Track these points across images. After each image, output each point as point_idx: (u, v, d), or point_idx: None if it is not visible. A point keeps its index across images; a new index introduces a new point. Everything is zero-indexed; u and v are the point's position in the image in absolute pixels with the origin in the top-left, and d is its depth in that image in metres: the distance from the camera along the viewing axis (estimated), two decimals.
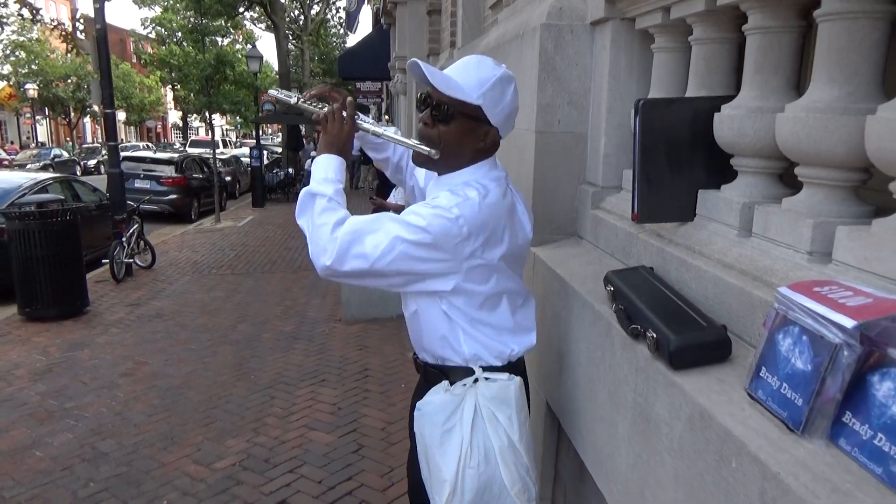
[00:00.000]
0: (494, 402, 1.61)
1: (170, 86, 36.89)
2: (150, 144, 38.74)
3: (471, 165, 1.66)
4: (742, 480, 1.02)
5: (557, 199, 2.36)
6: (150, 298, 7.19)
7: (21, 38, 31.95)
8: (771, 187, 1.50)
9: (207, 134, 39.48)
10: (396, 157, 2.03)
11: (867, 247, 1.11)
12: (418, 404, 1.67)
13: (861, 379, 0.95)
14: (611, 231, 2.07)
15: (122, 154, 9.43)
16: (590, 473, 1.80)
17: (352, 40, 38.40)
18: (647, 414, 1.38)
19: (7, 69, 32.92)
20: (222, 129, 50.81)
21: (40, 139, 39.52)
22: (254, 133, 22.72)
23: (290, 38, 27.50)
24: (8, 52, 32.59)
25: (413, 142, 1.68)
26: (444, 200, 1.52)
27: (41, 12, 10.34)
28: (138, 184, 13.00)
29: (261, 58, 18.60)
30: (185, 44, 30.05)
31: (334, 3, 31.45)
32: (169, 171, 13.73)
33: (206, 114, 19.41)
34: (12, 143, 35.77)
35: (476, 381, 1.63)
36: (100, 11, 7.90)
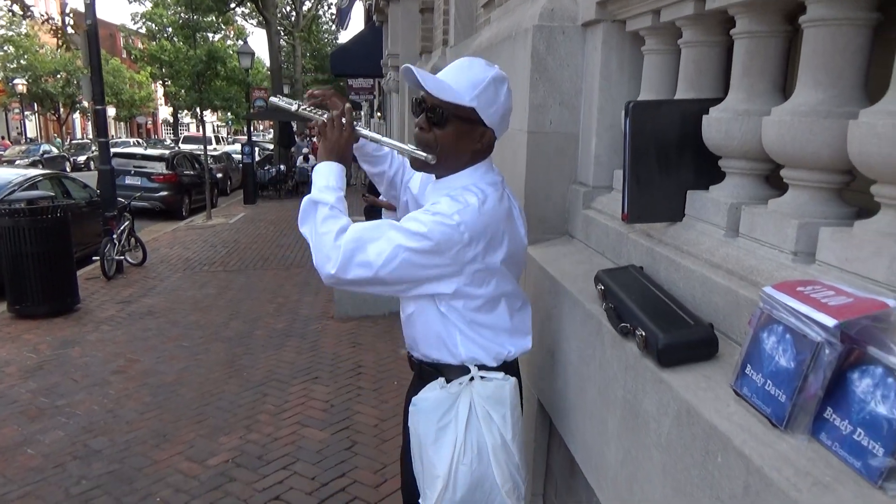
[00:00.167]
0: (490, 402, 1.63)
1: (160, 81, 36.69)
2: (140, 140, 38.51)
3: (468, 168, 1.68)
4: (727, 474, 1.05)
5: (549, 198, 2.39)
6: (142, 296, 7.17)
7: (9, 33, 31.66)
8: (757, 189, 1.54)
9: (198, 130, 39.34)
10: (392, 171, 2.03)
11: (849, 248, 1.14)
12: (413, 400, 1.69)
13: (842, 376, 0.98)
14: (602, 231, 2.10)
15: (113, 150, 9.38)
16: (580, 469, 1.83)
17: (343, 37, 38.31)
18: (636, 410, 1.41)
19: None
20: (213, 126, 50.58)
21: (29, 135, 39.18)
22: (245, 129, 22.63)
23: (282, 34, 27.40)
24: None
25: (410, 147, 1.69)
26: (444, 207, 1.53)
27: (31, 9, 10.27)
28: (129, 180, 12.93)
29: (252, 54, 18.55)
30: (175, 39, 29.88)
31: None
32: (160, 167, 13.67)
33: (198, 110, 19.30)
34: (3, 137, 35.44)
35: (472, 379, 1.65)
36: (90, 6, 7.86)
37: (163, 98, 45.80)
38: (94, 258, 8.08)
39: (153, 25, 34.55)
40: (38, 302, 6.22)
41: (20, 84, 31.71)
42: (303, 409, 4.26)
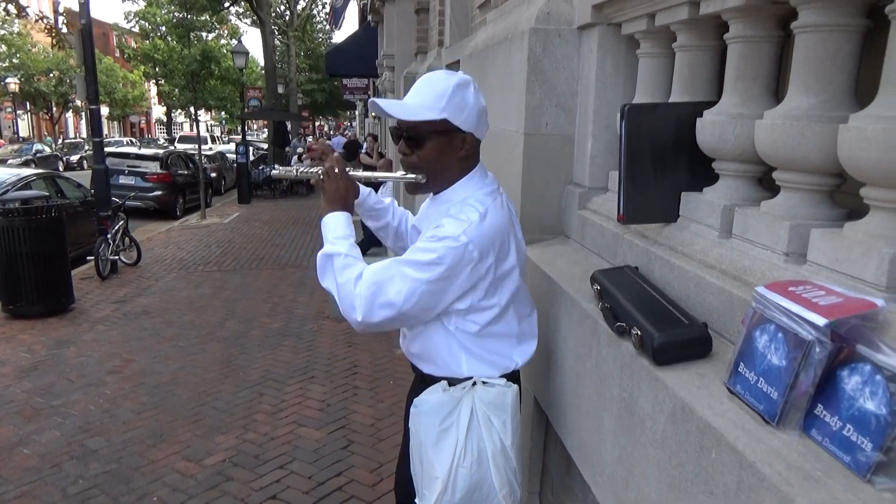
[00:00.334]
0: (491, 407, 1.66)
1: (154, 81, 36.56)
2: (133, 140, 38.36)
3: (461, 178, 1.70)
4: (721, 470, 1.07)
5: (545, 199, 2.42)
6: (136, 295, 7.16)
7: (1, 32, 31.47)
8: (750, 190, 1.57)
9: (192, 130, 39.19)
10: (395, 221, 2.05)
11: (839, 249, 1.17)
12: (415, 401, 1.71)
13: (832, 374, 1.01)
14: (597, 231, 2.12)
15: (107, 150, 9.36)
16: (576, 466, 1.85)
17: (337, 36, 38.26)
18: (632, 408, 1.44)
19: None
20: (207, 125, 50.42)
21: (21, 134, 38.94)
22: (239, 129, 22.57)
23: (276, 33, 27.35)
24: None
25: (399, 174, 1.74)
26: (449, 229, 1.54)
27: (27, 10, 10.24)
28: (123, 180, 12.88)
29: (247, 53, 18.49)
30: (169, 38, 29.79)
31: None
32: (154, 167, 13.62)
33: (192, 109, 19.26)
34: None
35: (474, 384, 1.68)
36: (85, 6, 7.84)
37: (156, 97, 45.64)
38: (88, 258, 8.06)
39: (146, 24, 34.41)
40: (33, 302, 6.20)
41: (12, 83, 31.54)
42: (299, 408, 4.27)
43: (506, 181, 2.43)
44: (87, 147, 28.33)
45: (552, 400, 2.05)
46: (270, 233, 11.61)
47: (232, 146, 22.25)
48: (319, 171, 1.76)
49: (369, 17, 12.89)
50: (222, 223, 12.75)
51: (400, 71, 7.59)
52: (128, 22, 35.77)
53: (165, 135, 48.09)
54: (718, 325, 1.40)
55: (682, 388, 1.25)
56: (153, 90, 45.09)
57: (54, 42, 10.04)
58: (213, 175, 17.42)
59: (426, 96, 1.63)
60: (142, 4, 33.78)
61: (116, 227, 8.14)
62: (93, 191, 8.86)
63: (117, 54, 41.92)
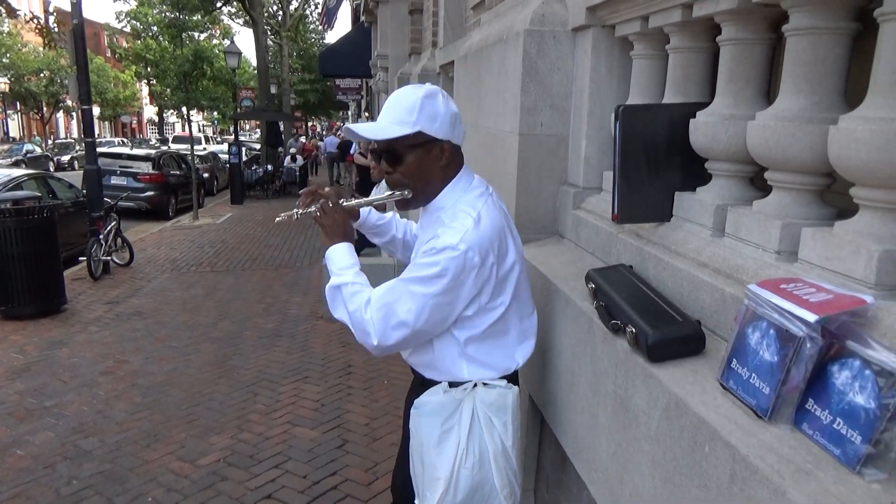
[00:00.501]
0: (492, 409, 1.68)
1: (145, 81, 36.39)
2: (125, 140, 38.17)
3: (447, 186, 1.72)
4: (714, 463, 1.10)
5: (540, 199, 2.44)
6: (129, 296, 7.14)
7: None
8: (743, 190, 1.59)
9: (184, 130, 39.04)
10: (400, 233, 2.07)
11: (829, 247, 1.20)
12: (416, 402, 1.73)
13: (822, 369, 1.04)
14: (592, 231, 2.15)
15: (99, 150, 9.29)
16: (572, 463, 1.87)
17: (330, 37, 38.21)
18: (627, 404, 1.46)
19: None
20: (199, 125, 50.23)
21: (11, 134, 38.67)
22: (231, 129, 22.50)
23: (269, 33, 27.28)
24: None
25: (386, 194, 1.77)
26: (447, 239, 1.55)
27: (17, 12, 10.18)
28: (115, 180, 12.82)
29: (239, 54, 18.47)
30: (160, 38, 29.66)
31: None
32: (146, 167, 13.58)
33: (184, 110, 19.19)
34: None
35: (475, 386, 1.70)
36: (77, 5, 7.81)
37: (148, 97, 45.45)
38: (80, 258, 8.03)
39: (138, 24, 34.25)
40: (25, 303, 6.17)
41: (2, 83, 31.31)
42: (294, 408, 4.27)
43: (500, 181, 2.45)
44: (78, 147, 28.18)
45: (547, 398, 2.07)
46: (263, 233, 11.59)
47: (224, 146, 22.17)
48: (315, 209, 1.80)
49: (363, 18, 12.90)
50: (215, 224, 12.72)
51: (394, 71, 7.60)
52: (119, 22, 35.61)
53: (157, 135, 47.85)
54: (711, 322, 1.42)
55: (676, 384, 1.27)
56: (145, 90, 44.89)
57: (45, 42, 9.98)
58: (206, 175, 17.38)
59: (397, 113, 1.65)
60: (133, 4, 33.64)
61: (109, 228, 8.11)
62: (84, 191, 8.82)
63: (109, 54, 41.70)
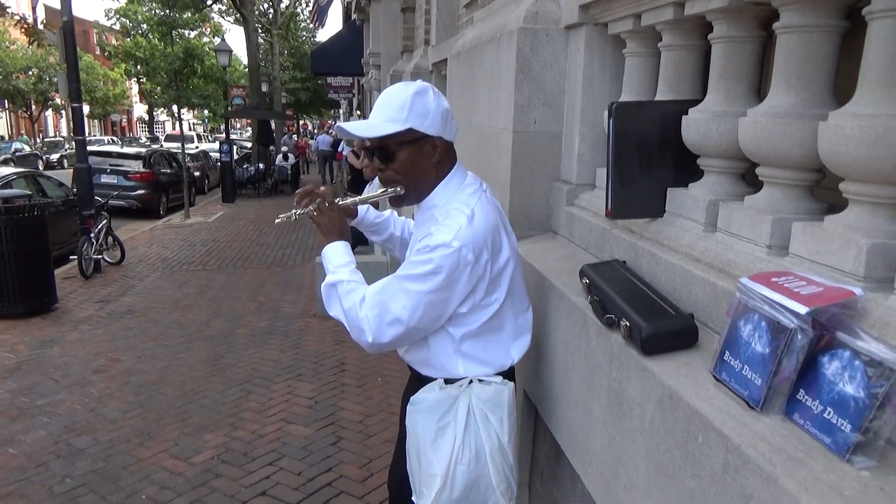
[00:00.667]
0: (488, 405, 1.69)
1: (135, 79, 36.13)
2: (115, 138, 37.90)
3: (440, 183, 1.73)
4: (707, 454, 1.12)
5: (533, 196, 2.45)
6: (121, 295, 7.11)
7: None
8: (734, 186, 1.61)
9: (174, 128, 38.81)
10: (398, 231, 2.08)
11: (819, 241, 1.22)
12: (412, 399, 1.74)
13: (813, 360, 1.06)
14: (585, 227, 2.16)
15: (89, 148, 9.23)
16: (566, 457, 1.89)
17: (322, 35, 38.06)
18: (621, 397, 1.48)
19: None
20: (189, 124, 49.94)
21: (0, 132, 38.30)
22: (222, 127, 22.39)
23: (260, 31, 27.15)
24: None
25: (379, 192, 1.78)
26: (441, 236, 1.57)
27: (7, 9, 10.09)
28: (105, 179, 12.74)
29: (230, 51, 18.38)
30: (150, 36, 29.45)
31: None
32: (136, 165, 13.50)
33: (175, 108, 19.05)
34: None
35: (471, 382, 1.71)
36: (66, 3, 7.76)
37: (138, 95, 45.14)
38: (70, 257, 7.98)
39: (127, 22, 33.98)
40: (15, 301, 6.13)
41: None
42: (287, 405, 4.28)
43: (494, 178, 2.47)
44: (67, 146, 27.95)
45: (542, 392, 2.09)
46: (255, 232, 11.56)
47: (216, 145, 22.08)
48: (311, 209, 1.81)
49: (354, 16, 12.87)
50: (206, 222, 12.67)
51: (386, 69, 7.60)
52: (108, 19, 35.34)
53: (147, 133, 47.56)
54: (704, 315, 1.44)
55: (670, 376, 1.29)
56: (135, 88, 44.58)
57: (31, 41, 9.89)
58: (197, 174, 17.31)
59: (388, 110, 1.66)
60: (123, 2, 33.38)
61: (99, 227, 8.08)
62: (75, 189, 8.76)
63: (98, 52, 41.36)
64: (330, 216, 1.80)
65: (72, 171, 9.67)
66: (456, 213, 1.61)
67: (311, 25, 35.59)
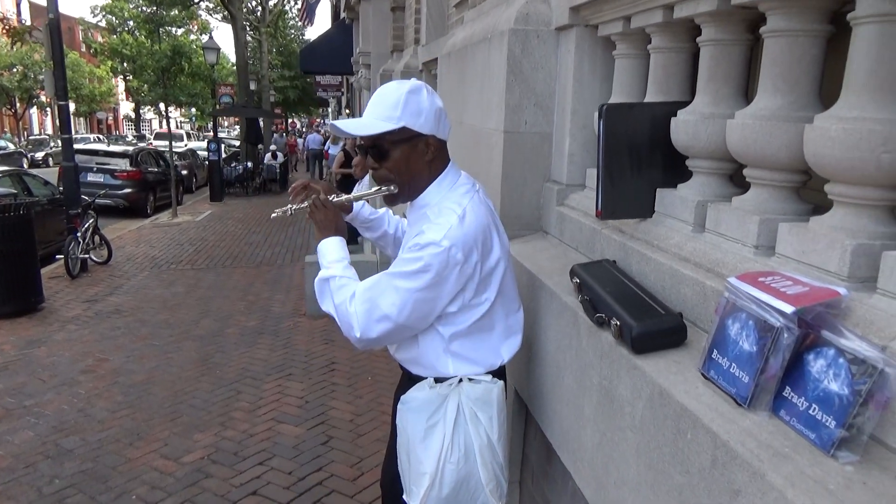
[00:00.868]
0: (478, 403, 1.70)
1: (122, 76, 35.81)
2: (101, 137, 37.54)
3: (434, 181, 1.74)
4: (696, 450, 1.14)
5: (524, 196, 2.47)
6: (108, 294, 7.06)
7: None
8: (722, 187, 1.64)
9: (161, 126, 38.50)
10: (392, 229, 2.09)
11: (805, 241, 1.24)
12: (402, 398, 1.75)
13: (799, 358, 1.08)
14: (575, 227, 2.18)
15: (75, 147, 9.15)
16: (557, 454, 1.91)
17: (310, 33, 37.91)
18: (611, 395, 1.50)
19: None
20: (177, 122, 49.55)
21: None
22: (210, 126, 22.23)
23: (248, 29, 26.99)
24: None
25: (373, 189, 1.80)
26: (431, 235, 1.58)
27: None
28: (91, 177, 12.64)
29: (218, 49, 18.24)
30: (137, 33, 29.22)
31: None
32: (123, 164, 13.41)
33: (163, 106, 18.89)
34: None
35: (460, 381, 1.72)
36: (52, 0, 7.68)
37: (124, 93, 44.75)
38: (57, 256, 7.92)
39: (114, 19, 33.68)
40: (1, 301, 6.07)
41: None
42: (277, 405, 4.27)
43: (485, 178, 2.48)
44: (52, 144, 27.64)
45: (533, 391, 2.11)
46: (244, 231, 11.51)
47: (204, 143, 21.94)
48: (307, 204, 1.83)
49: (344, 15, 12.83)
50: (194, 221, 12.60)
51: (376, 68, 7.59)
52: (94, 16, 34.98)
53: (134, 131, 47.16)
54: (693, 314, 1.47)
55: (660, 374, 1.31)
56: (121, 86, 44.18)
57: (13, 42, 9.78)
58: (185, 172, 17.20)
59: (381, 109, 1.67)
60: None
61: (86, 226, 8.01)
62: (61, 188, 8.68)
63: (84, 49, 40.94)
64: (325, 212, 1.81)
65: (57, 169, 9.58)
66: (447, 213, 1.63)
67: (301, 23, 35.46)
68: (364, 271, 1.69)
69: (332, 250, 1.76)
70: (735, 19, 1.53)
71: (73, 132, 8.36)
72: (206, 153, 17.64)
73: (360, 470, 3.45)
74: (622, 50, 2.09)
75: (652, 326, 1.40)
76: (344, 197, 1.90)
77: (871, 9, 1.11)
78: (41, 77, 8.30)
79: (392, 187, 1.74)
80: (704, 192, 1.64)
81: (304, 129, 48.83)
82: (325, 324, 5.94)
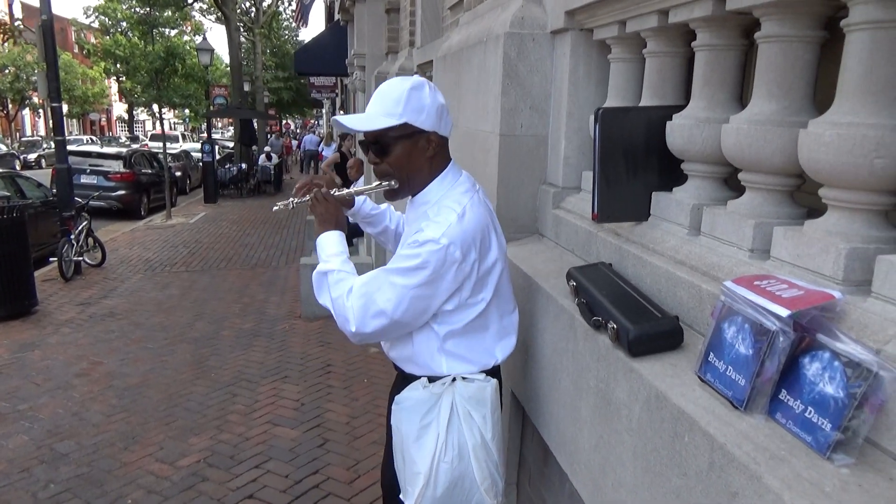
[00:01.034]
0: (471, 402, 1.71)
1: (115, 77, 35.68)
2: (94, 138, 37.38)
3: (435, 178, 1.75)
4: (693, 452, 1.15)
5: (520, 198, 2.48)
6: (102, 297, 7.03)
7: None
8: (717, 190, 1.65)
9: (154, 127, 38.37)
10: (393, 224, 2.11)
11: (800, 245, 1.26)
12: (396, 398, 1.76)
13: (794, 361, 1.09)
14: (571, 230, 2.19)
15: (68, 148, 9.12)
16: (554, 457, 1.92)
17: (305, 34, 37.89)
18: (608, 398, 1.51)
19: None
20: (170, 123, 49.38)
21: None
22: (204, 127, 22.18)
23: (242, 30, 26.95)
24: None
25: (374, 184, 1.81)
26: (430, 233, 1.59)
27: None
28: (85, 179, 12.58)
29: (212, 50, 18.22)
30: (130, 34, 29.13)
31: None
32: (117, 165, 13.35)
33: (156, 107, 18.85)
34: None
35: (454, 380, 1.73)
36: (45, 1, 7.65)
37: (117, 94, 44.57)
38: (51, 259, 7.88)
39: (107, 20, 33.58)
40: None
41: None
42: (273, 408, 4.27)
43: (482, 181, 2.48)
44: (45, 145, 27.50)
45: (530, 393, 2.12)
46: (238, 232, 11.49)
47: (198, 144, 21.89)
48: (309, 198, 1.84)
49: (338, 16, 12.83)
50: (188, 223, 12.56)
51: (371, 70, 7.59)
52: (87, 17, 34.89)
53: (127, 132, 46.96)
54: (689, 318, 1.48)
55: (657, 377, 1.32)
56: (114, 87, 44.01)
57: (5, 40, 9.73)
58: (178, 174, 17.14)
59: (384, 104, 1.68)
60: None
61: (80, 228, 7.98)
62: (54, 190, 8.64)
63: (76, 50, 40.76)
64: (326, 206, 1.82)
65: (50, 171, 9.54)
66: (447, 211, 1.64)
67: (295, 25, 35.42)
68: (359, 273, 1.70)
69: (331, 244, 1.77)
70: (730, 25, 1.54)
71: (66, 134, 8.31)
72: (199, 154, 17.59)
73: (356, 472, 3.45)
74: (617, 54, 2.10)
75: (648, 329, 1.41)
76: (345, 191, 1.91)
77: (864, 15, 1.12)
78: (34, 78, 8.26)
79: (393, 182, 1.74)
80: (700, 196, 1.65)
81: (297, 131, 48.77)
82: (320, 326, 5.94)
